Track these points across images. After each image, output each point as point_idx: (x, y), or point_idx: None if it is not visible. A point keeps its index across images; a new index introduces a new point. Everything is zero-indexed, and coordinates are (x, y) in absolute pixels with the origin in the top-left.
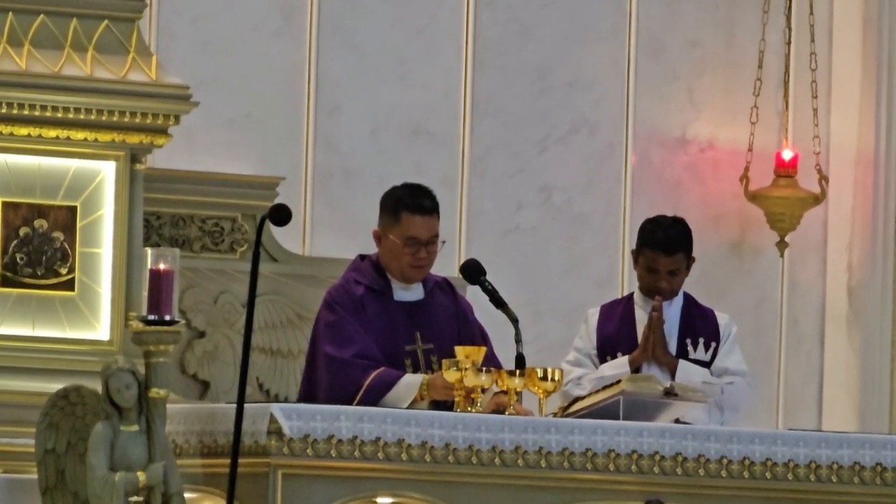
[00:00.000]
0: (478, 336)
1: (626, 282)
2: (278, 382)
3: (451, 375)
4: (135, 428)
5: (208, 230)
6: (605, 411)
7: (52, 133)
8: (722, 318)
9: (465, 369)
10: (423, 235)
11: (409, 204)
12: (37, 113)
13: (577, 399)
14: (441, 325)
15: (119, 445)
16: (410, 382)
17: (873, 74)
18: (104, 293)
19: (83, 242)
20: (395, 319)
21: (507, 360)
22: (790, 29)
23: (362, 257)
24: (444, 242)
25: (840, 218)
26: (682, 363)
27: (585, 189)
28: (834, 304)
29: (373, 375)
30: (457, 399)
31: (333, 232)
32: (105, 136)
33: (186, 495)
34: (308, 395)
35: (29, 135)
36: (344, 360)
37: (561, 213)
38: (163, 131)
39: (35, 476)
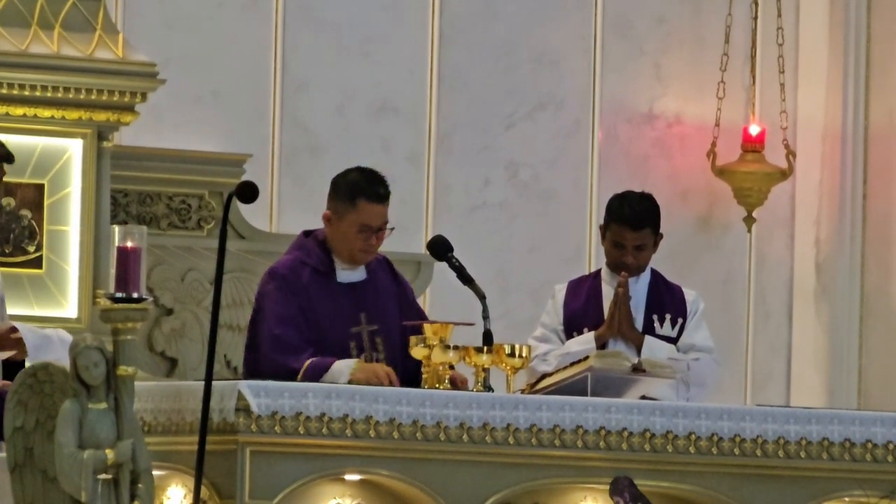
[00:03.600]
0: (418, 318)
1: (593, 258)
2: None
3: (418, 352)
4: (103, 405)
5: (175, 207)
6: (572, 387)
7: (19, 111)
8: (689, 295)
9: (433, 346)
10: (377, 223)
11: (367, 191)
12: (3, 91)
13: (544, 375)
14: (385, 305)
15: (87, 423)
16: (342, 371)
17: (840, 48)
18: (72, 271)
19: (51, 220)
20: (340, 302)
21: (475, 337)
22: (757, 4)
23: (307, 234)
24: (392, 229)
25: (807, 193)
26: (647, 339)
27: (552, 165)
28: (802, 279)
29: (307, 364)
30: (425, 376)
31: (300, 209)
32: (72, 114)
33: (155, 473)
34: (252, 368)
35: None
36: (278, 338)
37: (528, 190)
38: (130, 109)
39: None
